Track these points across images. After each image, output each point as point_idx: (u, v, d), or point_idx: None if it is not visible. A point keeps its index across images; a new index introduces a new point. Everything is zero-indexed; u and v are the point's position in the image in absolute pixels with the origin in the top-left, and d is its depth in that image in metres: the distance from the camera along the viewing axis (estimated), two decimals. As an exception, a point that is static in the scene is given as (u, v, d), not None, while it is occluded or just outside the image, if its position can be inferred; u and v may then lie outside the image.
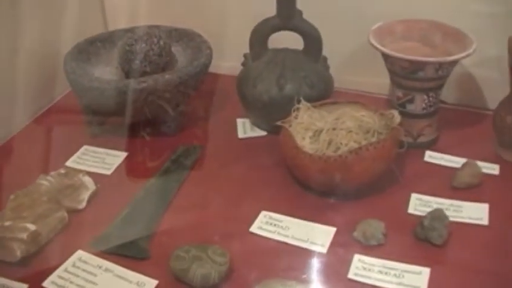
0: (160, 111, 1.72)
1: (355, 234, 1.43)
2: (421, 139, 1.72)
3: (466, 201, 1.54)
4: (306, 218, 1.50)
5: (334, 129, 1.53)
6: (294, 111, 1.60)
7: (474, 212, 1.51)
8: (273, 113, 1.65)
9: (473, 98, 1.87)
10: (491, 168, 1.65)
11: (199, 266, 1.31)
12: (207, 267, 1.31)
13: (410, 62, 1.58)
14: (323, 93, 1.69)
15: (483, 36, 1.66)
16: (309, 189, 1.57)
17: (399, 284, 1.33)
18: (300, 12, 1.70)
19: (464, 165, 1.60)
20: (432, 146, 1.74)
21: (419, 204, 1.52)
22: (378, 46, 1.62)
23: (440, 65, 1.58)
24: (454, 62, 1.61)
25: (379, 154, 1.49)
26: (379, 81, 1.84)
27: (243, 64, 1.79)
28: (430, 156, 1.70)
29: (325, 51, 1.78)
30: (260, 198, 1.57)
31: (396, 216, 1.50)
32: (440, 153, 1.71)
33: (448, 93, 1.88)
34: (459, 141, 1.76)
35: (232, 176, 1.67)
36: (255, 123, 1.81)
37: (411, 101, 1.66)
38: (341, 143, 1.50)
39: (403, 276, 1.34)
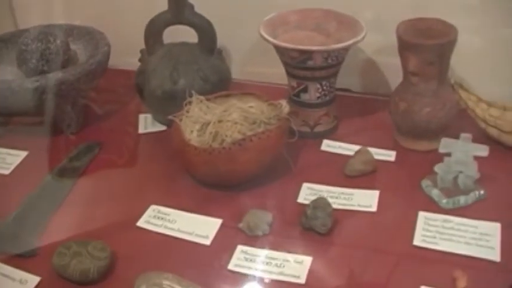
0: (58, 110, 1.71)
1: (241, 225, 1.43)
2: (319, 128, 1.71)
3: (357, 188, 1.54)
4: (194, 211, 1.49)
5: (220, 121, 1.52)
6: (185, 104, 1.59)
7: (364, 200, 1.51)
8: (168, 107, 1.63)
9: (377, 85, 1.87)
10: (388, 155, 1.65)
11: (79, 261, 1.30)
12: (86, 262, 1.30)
13: (298, 51, 1.58)
14: (218, 86, 1.69)
15: (385, 24, 1.66)
16: (200, 182, 1.56)
17: (280, 273, 1.33)
18: (192, 6, 1.70)
19: (356, 152, 1.60)
20: (331, 134, 1.74)
21: (310, 193, 1.52)
22: (266, 36, 1.62)
23: (329, 53, 1.58)
24: (344, 50, 1.61)
25: (265, 145, 1.48)
26: (281, 72, 1.83)
27: (140, 60, 1.78)
28: (327, 145, 1.70)
29: (225, 44, 1.78)
30: (151, 193, 1.57)
31: (285, 206, 1.49)
32: (338, 142, 1.70)
33: (353, 81, 1.89)
34: (360, 129, 1.77)
35: (127, 171, 1.67)
36: (156, 118, 1.81)
37: (305, 90, 1.66)
38: (226, 135, 1.49)
39: (284, 266, 1.34)
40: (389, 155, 1.65)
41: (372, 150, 1.63)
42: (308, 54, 1.57)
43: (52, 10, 2.06)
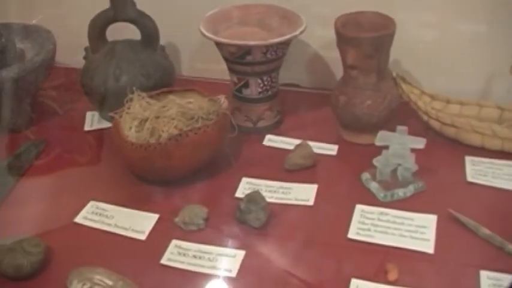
0: (5, 108, 1.71)
1: (177, 220, 1.43)
2: (262, 123, 1.72)
3: (297, 182, 1.55)
4: (132, 207, 1.50)
5: (158, 117, 1.52)
6: (126, 101, 1.60)
7: (302, 194, 1.51)
8: (112, 105, 1.64)
9: (325, 80, 1.87)
10: (330, 149, 1.66)
11: (12, 257, 1.31)
12: (20, 258, 1.30)
13: (236, 46, 1.58)
14: (161, 82, 1.69)
15: (332, 18, 1.65)
16: (139, 178, 1.57)
17: (212, 267, 1.33)
18: (133, 3, 1.70)
19: (296, 147, 1.60)
20: (275, 129, 1.74)
21: (248, 188, 1.52)
22: (205, 32, 1.62)
23: (267, 48, 1.58)
24: (283, 45, 1.61)
25: (202, 140, 1.48)
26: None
27: (85, 57, 1.78)
28: (270, 140, 1.71)
29: (173, 40, 1.78)
30: (92, 189, 1.57)
31: (222, 201, 1.50)
32: (281, 137, 1.71)
33: (301, 76, 1.89)
34: (305, 124, 1.77)
35: (69, 168, 1.67)
36: (102, 115, 1.81)
37: (246, 85, 1.66)
38: (162, 131, 1.50)
39: (216, 260, 1.34)
40: (332, 149, 1.65)
41: (315, 144, 1.64)
42: (246, 49, 1.57)
43: (8, 9, 2.06)
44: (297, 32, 1.60)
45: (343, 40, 1.55)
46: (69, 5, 2.03)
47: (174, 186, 1.53)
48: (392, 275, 1.28)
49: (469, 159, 1.60)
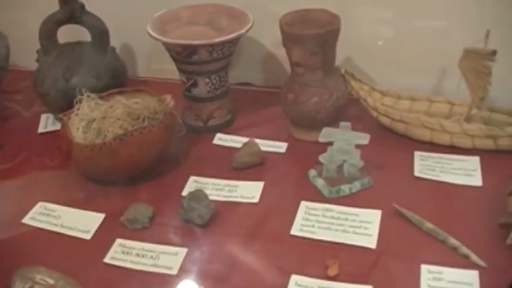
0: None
1: (122, 219, 1.44)
2: (212, 122, 1.73)
3: (244, 180, 1.55)
4: (80, 206, 1.51)
5: (104, 117, 1.53)
6: (76, 102, 1.60)
7: (248, 191, 1.52)
8: (63, 106, 1.65)
9: (278, 78, 1.87)
10: (279, 147, 1.66)
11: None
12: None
13: (181, 46, 1.59)
14: (111, 83, 1.70)
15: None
16: (88, 178, 1.58)
17: (153, 265, 1.34)
18: (82, 5, 1.71)
19: (244, 145, 1.61)
20: (226, 128, 1.75)
21: (195, 186, 1.53)
22: (151, 32, 1.63)
23: (213, 47, 1.59)
24: (229, 43, 1.62)
25: (148, 139, 1.49)
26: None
27: (37, 60, 1.79)
28: (220, 139, 1.71)
29: (128, 41, 1.79)
30: (42, 190, 1.58)
31: (169, 200, 1.50)
32: (231, 135, 1.71)
33: (254, 75, 1.90)
34: (257, 122, 1.78)
35: (21, 170, 1.68)
36: (55, 117, 1.81)
37: (195, 85, 1.67)
38: (108, 131, 1.50)
39: (159, 257, 1.35)
40: (281, 147, 1.66)
41: (264, 142, 1.65)
42: (192, 48, 1.58)
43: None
44: (243, 31, 1.60)
45: (287, 38, 1.56)
46: (29, 8, 2.03)
47: (122, 186, 1.54)
48: (333, 271, 1.29)
49: (418, 154, 1.61)
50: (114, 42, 1.85)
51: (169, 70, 1.78)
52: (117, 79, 1.72)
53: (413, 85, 1.76)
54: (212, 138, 1.71)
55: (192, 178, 1.56)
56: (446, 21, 1.73)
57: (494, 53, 1.49)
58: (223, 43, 1.58)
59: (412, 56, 1.78)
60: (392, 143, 1.65)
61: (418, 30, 1.77)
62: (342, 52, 1.76)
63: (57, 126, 1.79)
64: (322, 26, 1.56)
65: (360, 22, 1.79)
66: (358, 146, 1.49)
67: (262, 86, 1.93)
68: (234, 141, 1.68)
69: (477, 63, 1.53)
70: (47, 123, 1.82)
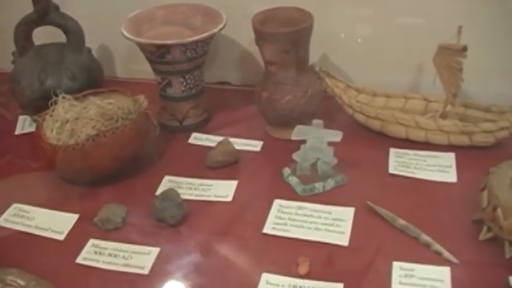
0: None
1: (95, 219, 1.44)
2: (188, 121, 1.73)
3: (218, 179, 1.56)
4: (54, 208, 1.51)
5: (77, 119, 1.53)
6: (51, 104, 1.61)
7: (221, 190, 1.52)
8: (39, 108, 1.64)
9: (255, 77, 1.86)
10: (254, 145, 1.67)
11: None
12: None
13: (155, 46, 1.59)
14: (87, 84, 1.70)
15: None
16: (63, 179, 1.58)
17: (126, 265, 1.34)
18: (56, 7, 1.71)
19: (218, 144, 1.61)
20: (201, 127, 1.75)
21: (170, 186, 1.53)
22: (125, 33, 1.63)
23: (186, 47, 1.59)
24: (203, 43, 1.62)
25: (121, 139, 1.50)
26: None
27: (13, 62, 1.79)
28: (195, 138, 1.72)
29: (106, 42, 1.79)
30: (17, 192, 1.58)
31: (143, 199, 1.50)
32: (207, 134, 1.72)
33: (232, 74, 1.90)
34: (233, 121, 1.78)
35: (-2, 172, 1.68)
36: (32, 119, 1.81)
37: (169, 84, 1.67)
38: (81, 132, 1.51)
39: (131, 257, 1.36)
40: (256, 145, 1.67)
41: (240, 141, 1.66)
42: (165, 48, 1.58)
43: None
44: (215, 30, 1.60)
45: (259, 36, 1.56)
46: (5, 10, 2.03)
47: (96, 186, 1.55)
48: (303, 268, 1.29)
49: (393, 151, 1.61)
50: (92, 43, 1.85)
51: (147, 70, 1.77)
52: (93, 80, 1.72)
53: (391, 82, 1.76)
54: (188, 138, 1.71)
55: (166, 178, 1.56)
56: (424, 19, 1.73)
57: (464, 48, 1.50)
58: (195, 42, 1.58)
59: (390, 53, 1.79)
60: (368, 140, 1.66)
61: (396, 28, 1.77)
62: (319, 50, 1.77)
63: (34, 127, 1.78)
64: (295, 24, 1.56)
65: (337, 20, 1.79)
66: (332, 144, 1.49)
67: (239, 85, 1.94)
68: (210, 140, 1.68)
69: (450, 59, 1.54)
70: (24, 125, 1.82)
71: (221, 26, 1.62)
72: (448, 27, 1.52)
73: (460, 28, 1.50)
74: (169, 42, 1.56)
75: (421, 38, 1.69)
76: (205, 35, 1.58)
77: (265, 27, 1.55)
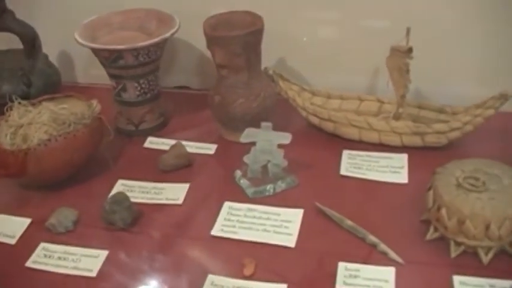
0: None
1: (47, 223, 1.46)
2: (144, 126, 1.75)
3: (170, 183, 1.57)
4: (7, 212, 1.52)
5: (31, 124, 1.55)
6: (6, 110, 1.62)
7: (173, 193, 1.54)
8: (-4, 114, 1.66)
9: (213, 81, 1.88)
10: (208, 148, 1.69)
11: None
12: None
13: (107, 51, 1.61)
14: (44, 90, 1.73)
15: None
16: (17, 183, 1.59)
17: (74, 268, 1.36)
18: (12, 13, 1.73)
19: (171, 147, 1.62)
20: (158, 131, 1.77)
21: (123, 189, 1.53)
22: (79, 39, 1.65)
23: (138, 51, 1.61)
24: (155, 47, 1.64)
25: (72, 144, 1.51)
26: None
27: (-29, 70, 1.82)
28: (151, 142, 1.73)
29: (66, 48, 1.81)
30: (-29, 198, 1.59)
31: (95, 203, 1.50)
32: (163, 138, 1.73)
33: (191, 79, 1.92)
34: (190, 125, 1.80)
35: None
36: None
37: (124, 89, 1.69)
38: (33, 137, 1.52)
39: (80, 260, 1.37)
40: (210, 148, 1.68)
41: (195, 144, 1.68)
42: (117, 53, 1.60)
43: None
44: (167, 35, 1.62)
45: (210, 40, 1.58)
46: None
47: (49, 190, 1.56)
48: (248, 270, 1.31)
49: (346, 153, 1.63)
50: (53, 49, 1.88)
51: (106, 76, 1.80)
52: (50, 86, 1.75)
53: (350, 84, 1.79)
54: (144, 142, 1.73)
55: (120, 181, 1.58)
56: (385, 21, 1.76)
57: (410, 50, 1.52)
58: (147, 47, 1.60)
59: (347, 56, 1.81)
60: (322, 143, 1.67)
61: (356, 31, 1.80)
62: (276, 53, 1.79)
63: (-8, 135, 1.80)
64: (246, 27, 1.57)
65: (294, 23, 1.80)
66: (285, 146, 1.51)
67: (198, 89, 1.95)
68: (165, 144, 1.69)
69: (399, 61, 1.55)
70: (-19, 131, 1.82)
71: (173, 30, 1.63)
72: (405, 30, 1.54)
73: (408, 29, 1.52)
74: (120, 47, 1.58)
75: (381, 40, 1.69)
76: (156, 39, 1.60)
77: (216, 32, 1.57)
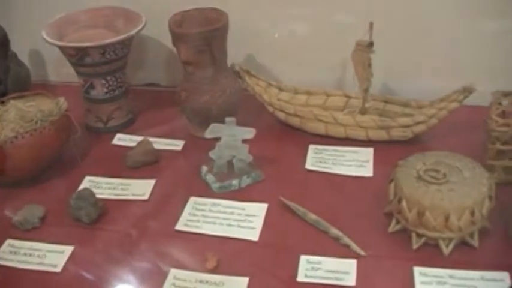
0: None
1: (14, 220, 1.47)
2: (112, 123, 1.76)
3: (137, 179, 1.58)
4: (-28, 210, 1.53)
5: (-4, 121, 1.56)
6: (-26, 108, 1.63)
7: (139, 189, 1.55)
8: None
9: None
10: (175, 145, 1.70)
11: None
12: None
13: (73, 49, 1.62)
14: (13, 88, 1.73)
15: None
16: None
17: (40, 263, 1.37)
18: (-21, 12, 1.74)
19: (138, 144, 1.64)
20: (126, 128, 1.78)
21: (90, 186, 1.55)
22: (46, 37, 1.66)
23: (104, 49, 1.62)
24: (121, 44, 1.65)
25: (39, 141, 1.52)
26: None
27: None
28: (119, 139, 1.74)
29: (38, 47, 1.84)
30: None
31: (62, 200, 1.51)
32: (131, 135, 1.74)
33: (160, 76, 1.93)
34: (159, 121, 1.81)
35: None
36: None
37: (92, 86, 1.70)
38: (0, 134, 1.53)
39: (45, 256, 1.39)
40: (177, 144, 1.69)
41: (162, 140, 1.69)
42: (83, 51, 1.61)
43: None
44: (132, 32, 1.63)
45: (174, 37, 1.59)
46: None
47: (17, 187, 1.57)
48: (211, 263, 1.32)
49: (312, 148, 1.65)
50: (24, 47, 1.88)
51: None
52: (19, 84, 1.75)
53: (319, 80, 1.80)
54: (112, 139, 1.74)
55: (87, 178, 1.59)
56: (349, 17, 1.77)
57: (371, 44, 1.53)
58: (113, 44, 1.61)
59: (316, 51, 1.82)
60: (288, 138, 1.69)
61: (322, 26, 1.81)
62: (245, 49, 1.80)
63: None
64: (211, 23, 1.59)
65: (262, 20, 1.81)
66: (250, 141, 1.52)
67: (168, 86, 1.96)
68: (133, 141, 1.70)
69: (362, 55, 1.57)
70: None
71: (139, 28, 1.65)
72: (376, 24, 1.55)
73: (371, 24, 1.53)
74: (86, 44, 1.59)
75: (349, 36, 1.70)
76: (121, 37, 1.61)
77: (180, 28, 1.58)
